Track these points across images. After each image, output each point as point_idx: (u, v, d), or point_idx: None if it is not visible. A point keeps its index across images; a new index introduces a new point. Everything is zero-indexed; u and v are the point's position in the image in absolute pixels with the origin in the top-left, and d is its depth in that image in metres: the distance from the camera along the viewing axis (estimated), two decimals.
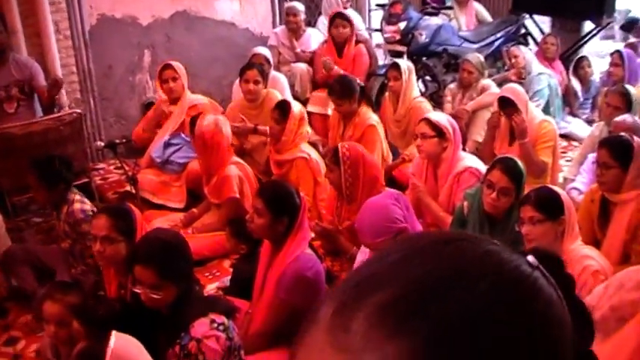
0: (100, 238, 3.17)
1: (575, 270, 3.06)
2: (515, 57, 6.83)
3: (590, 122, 6.84)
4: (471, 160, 4.38)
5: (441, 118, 4.33)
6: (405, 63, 5.90)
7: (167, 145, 5.38)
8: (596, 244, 3.70)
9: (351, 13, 7.01)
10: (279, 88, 6.01)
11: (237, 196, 4.64)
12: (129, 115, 6.59)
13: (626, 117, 4.57)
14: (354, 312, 0.57)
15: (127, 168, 5.22)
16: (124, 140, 5.53)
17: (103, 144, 5.48)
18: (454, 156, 4.31)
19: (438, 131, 4.22)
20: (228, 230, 3.92)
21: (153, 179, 5.29)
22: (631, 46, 7.48)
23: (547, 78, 6.48)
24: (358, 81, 5.69)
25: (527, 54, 6.94)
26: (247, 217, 3.32)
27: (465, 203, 3.82)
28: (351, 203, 4.02)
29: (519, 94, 4.89)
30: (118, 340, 2.02)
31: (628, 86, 5.28)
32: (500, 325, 0.55)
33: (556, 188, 3.34)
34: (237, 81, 6.04)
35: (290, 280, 3.14)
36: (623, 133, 3.86)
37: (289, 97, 6.02)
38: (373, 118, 5.49)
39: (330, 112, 6.10)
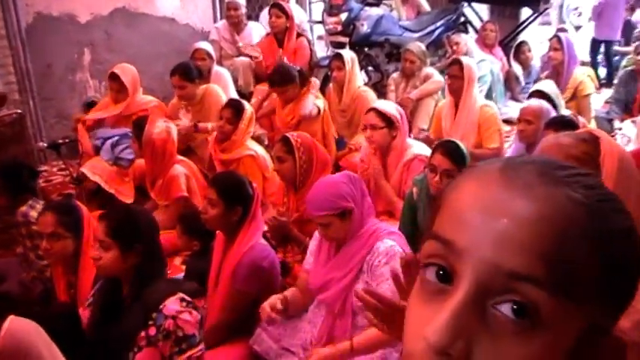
0: (46, 235, 3.12)
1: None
2: (457, 44, 6.92)
3: None
4: (419, 148, 4.40)
5: (389, 107, 4.34)
6: (348, 53, 5.91)
7: (114, 144, 5.28)
8: None
9: (292, 5, 6.99)
10: (223, 83, 5.96)
11: (186, 194, 4.59)
12: (70, 115, 6.43)
13: (532, 103, 4.63)
14: (521, 165, 0.71)
15: (71, 169, 5.11)
16: (67, 140, 5.41)
17: (45, 145, 5.36)
18: (403, 144, 4.34)
19: (388, 121, 4.24)
20: (179, 227, 3.87)
21: (106, 166, 5.17)
22: (563, 31, 7.66)
23: (489, 64, 6.58)
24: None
25: (468, 41, 7.03)
26: (201, 209, 3.29)
27: (414, 189, 3.84)
28: (300, 191, 4.01)
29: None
30: (13, 321, 1.93)
31: None
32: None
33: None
34: None
35: (246, 270, 3.12)
36: (570, 115, 3.94)
37: (234, 92, 5.99)
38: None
39: None
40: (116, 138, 5.30)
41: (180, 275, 4.03)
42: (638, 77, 6.37)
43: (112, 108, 5.54)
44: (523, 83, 7.44)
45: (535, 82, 7.52)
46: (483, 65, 6.55)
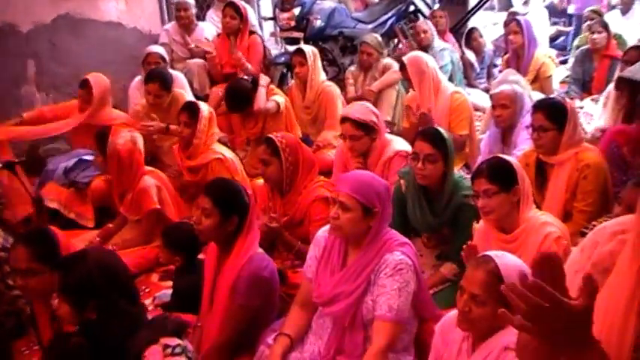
0: (20, 272, 2.85)
1: (538, 237, 3.04)
2: (425, 32, 6.84)
3: (487, 91, 6.93)
4: (398, 144, 4.32)
5: (363, 113, 4.15)
6: (308, 48, 5.78)
7: (68, 170, 5.02)
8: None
9: (243, 3, 6.79)
10: (179, 86, 5.74)
11: (158, 206, 4.37)
12: None
13: (504, 88, 4.62)
14: None
15: (28, 189, 4.82)
16: (22, 159, 5.09)
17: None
18: (382, 142, 4.23)
19: (366, 128, 4.11)
20: (161, 241, 3.65)
21: (62, 190, 4.91)
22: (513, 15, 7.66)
23: (449, 53, 6.53)
24: (246, 77, 5.68)
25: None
26: (194, 220, 3.08)
27: (402, 181, 3.77)
28: (286, 195, 3.83)
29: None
30: None
31: None
32: None
33: (508, 157, 3.29)
34: (134, 83, 5.76)
35: (247, 282, 2.94)
36: (553, 95, 3.89)
37: (190, 95, 5.77)
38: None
39: None
40: (71, 163, 5.09)
41: (164, 292, 3.84)
42: (594, 56, 6.41)
43: (76, 116, 5.27)
44: (478, 69, 7.42)
45: (489, 67, 7.54)
46: (445, 54, 6.48)
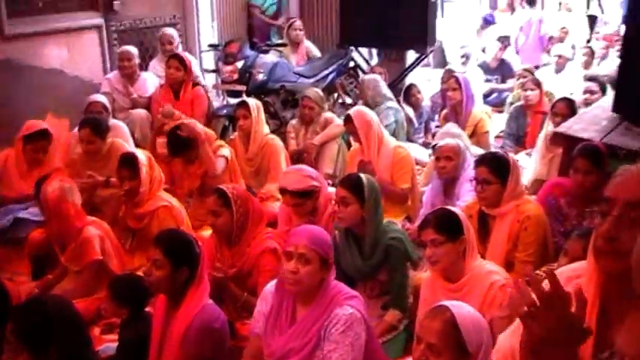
0: None
1: (483, 286, 3.12)
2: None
3: (425, 145, 7.10)
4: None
5: (300, 181, 4.14)
6: (252, 101, 5.82)
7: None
8: None
9: (187, 55, 6.83)
10: (121, 136, 5.69)
11: (101, 257, 4.28)
12: None
13: (449, 141, 4.77)
14: None
15: None
16: None
17: None
18: (325, 198, 4.25)
19: (305, 194, 4.13)
20: (107, 293, 3.57)
21: None
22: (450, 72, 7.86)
23: (394, 113, 6.62)
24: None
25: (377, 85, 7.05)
26: (144, 271, 3.05)
27: (337, 232, 3.92)
28: (234, 246, 3.83)
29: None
30: None
31: None
32: None
33: (454, 209, 3.39)
34: (75, 132, 5.68)
35: (199, 332, 2.93)
36: (496, 150, 4.02)
37: (132, 146, 5.72)
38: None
39: None
40: (6, 222, 4.96)
41: (107, 346, 3.75)
42: (527, 112, 6.64)
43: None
44: (416, 124, 7.58)
45: (426, 122, 7.72)
46: (390, 114, 6.58)
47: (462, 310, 2.37)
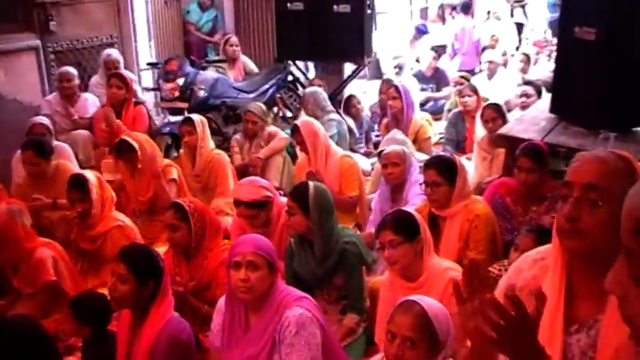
0: None
1: (441, 282, 3.22)
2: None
3: (367, 155, 7.23)
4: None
5: (254, 192, 4.20)
6: (197, 117, 5.83)
7: None
8: None
9: (128, 74, 6.80)
10: (65, 158, 5.64)
11: (55, 278, 4.23)
12: None
13: (394, 147, 4.89)
14: None
15: None
16: None
17: None
18: (278, 208, 4.29)
19: (259, 205, 4.18)
20: (69, 313, 3.53)
21: None
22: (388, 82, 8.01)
23: (337, 125, 6.73)
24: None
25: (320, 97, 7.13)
26: (109, 286, 3.04)
27: (291, 240, 3.99)
28: (192, 260, 3.84)
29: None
30: None
31: None
32: None
33: (409, 209, 3.49)
34: (16, 155, 5.59)
35: (167, 345, 2.94)
36: (443, 153, 4.15)
37: (77, 168, 5.66)
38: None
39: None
40: None
41: None
42: (465, 117, 6.83)
43: None
44: (357, 134, 7.69)
45: (367, 132, 7.86)
46: (333, 125, 6.68)
47: (430, 302, 2.48)
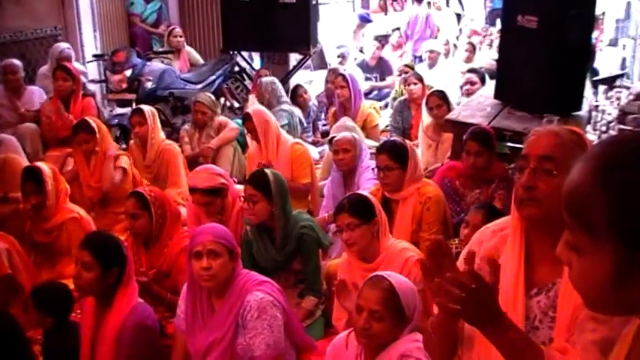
0: None
1: (399, 262, 3.34)
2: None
3: (315, 144, 7.34)
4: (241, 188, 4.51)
5: (209, 179, 4.23)
6: (147, 107, 5.83)
7: None
8: None
9: (77, 66, 6.74)
10: (12, 150, 5.56)
11: (10, 271, 4.20)
12: None
13: (344, 134, 5.01)
14: None
15: None
16: None
17: None
18: (233, 196, 4.34)
19: (215, 192, 4.22)
20: (30, 302, 3.53)
21: None
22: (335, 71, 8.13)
23: (287, 116, 6.80)
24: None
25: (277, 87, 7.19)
26: (74, 274, 3.05)
27: (247, 227, 4.04)
28: (152, 247, 3.88)
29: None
30: None
31: None
32: None
33: (364, 193, 3.60)
34: None
35: (133, 332, 2.98)
36: (395, 138, 4.28)
37: (25, 160, 5.60)
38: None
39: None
40: None
41: None
42: (411, 105, 6.98)
43: None
44: (305, 124, 7.78)
45: (314, 121, 7.95)
46: (283, 115, 6.74)
47: (398, 278, 2.60)
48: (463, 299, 1.56)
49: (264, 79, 7.27)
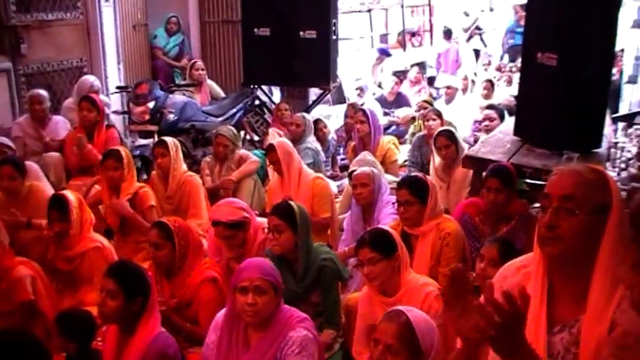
0: None
1: (419, 297, 3.36)
2: (298, 126, 7.15)
3: (333, 178, 7.38)
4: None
5: (232, 212, 4.28)
6: (170, 139, 5.90)
7: None
8: None
9: (102, 97, 6.86)
10: (35, 178, 5.63)
11: (32, 297, 4.25)
12: None
13: (363, 169, 5.03)
14: None
15: None
16: None
17: None
18: (255, 228, 4.41)
19: (238, 226, 4.27)
20: (54, 328, 3.57)
21: None
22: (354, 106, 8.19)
23: (313, 154, 6.86)
24: None
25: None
26: (99, 302, 3.10)
27: (268, 259, 4.00)
28: (174, 277, 3.91)
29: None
30: None
31: None
32: None
33: (386, 228, 3.63)
34: None
35: None
36: (415, 173, 4.32)
37: (49, 187, 5.69)
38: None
39: None
40: None
41: None
42: (429, 141, 7.01)
43: None
44: (324, 158, 7.84)
45: (333, 155, 8.01)
46: (309, 153, 6.79)
47: (416, 313, 2.62)
48: (497, 323, 1.59)
49: (307, 115, 7.37)
